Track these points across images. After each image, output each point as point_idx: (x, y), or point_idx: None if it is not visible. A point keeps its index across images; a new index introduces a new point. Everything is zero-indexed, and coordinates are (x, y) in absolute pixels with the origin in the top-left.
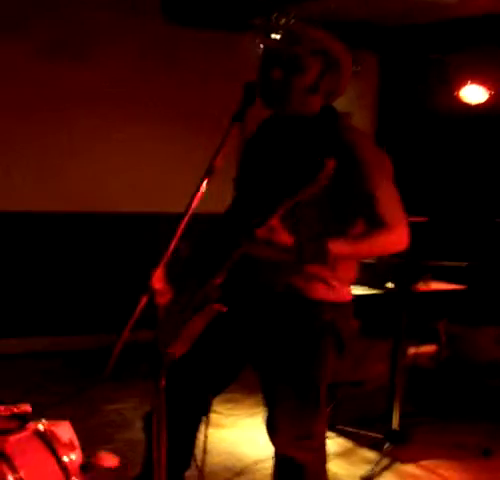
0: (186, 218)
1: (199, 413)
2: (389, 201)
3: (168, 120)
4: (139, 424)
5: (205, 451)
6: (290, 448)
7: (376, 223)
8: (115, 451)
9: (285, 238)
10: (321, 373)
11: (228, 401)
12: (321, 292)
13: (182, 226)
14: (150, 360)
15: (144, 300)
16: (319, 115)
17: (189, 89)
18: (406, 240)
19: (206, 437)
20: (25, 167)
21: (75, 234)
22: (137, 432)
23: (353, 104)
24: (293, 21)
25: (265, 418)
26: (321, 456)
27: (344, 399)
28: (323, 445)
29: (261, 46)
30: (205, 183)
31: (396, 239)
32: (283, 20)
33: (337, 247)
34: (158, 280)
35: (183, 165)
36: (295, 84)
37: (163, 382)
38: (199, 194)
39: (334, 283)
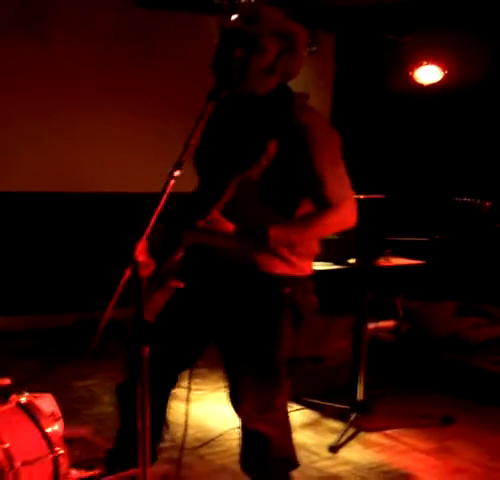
0: (165, 194)
1: (168, 387)
2: (336, 181)
3: (144, 101)
4: (107, 399)
5: (186, 427)
6: (253, 420)
7: (323, 204)
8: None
9: (227, 227)
10: (279, 346)
11: (193, 376)
12: (279, 267)
13: (162, 202)
14: (133, 329)
15: (128, 273)
16: (273, 94)
17: (161, 71)
18: (353, 218)
19: (187, 414)
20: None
21: (48, 213)
22: (105, 407)
23: (310, 84)
24: (254, 0)
25: (228, 391)
26: (284, 428)
27: (306, 374)
28: (285, 417)
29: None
30: (182, 161)
31: (343, 218)
32: (244, 0)
33: (279, 235)
34: (141, 253)
35: (160, 147)
36: (254, 64)
37: (147, 350)
38: (177, 172)
39: (292, 258)
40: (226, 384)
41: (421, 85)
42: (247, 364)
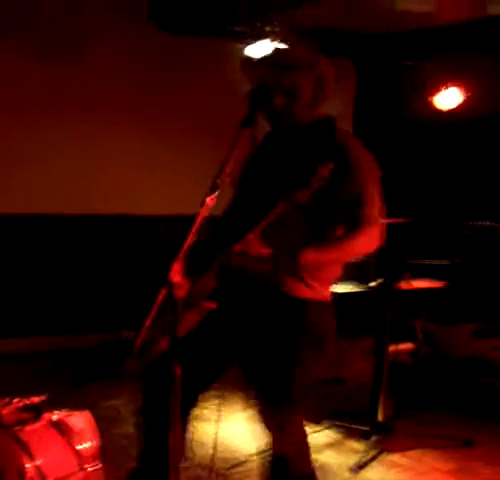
0: (201, 215)
1: (189, 407)
2: (374, 204)
3: (162, 126)
4: (133, 419)
5: (216, 447)
6: (274, 441)
7: (357, 223)
8: (112, 444)
9: (261, 250)
10: (298, 369)
11: (217, 397)
12: (302, 291)
13: (198, 223)
14: (168, 349)
15: (163, 293)
16: (318, 124)
17: (181, 94)
18: (378, 242)
19: (216, 434)
20: (22, 169)
21: (72, 235)
22: (132, 427)
23: (331, 110)
24: (277, 29)
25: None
26: (300, 449)
27: (328, 396)
28: (301, 437)
29: (249, 56)
30: (217, 186)
31: (371, 240)
32: (267, 27)
33: (309, 257)
34: (176, 273)
35: (186, 170)
36: (295, 105)
37: (178, 370)
38: (213, 196)
39: (313, 284)
40: (249, 405)
41: (441, 110)
42: (265, 384)
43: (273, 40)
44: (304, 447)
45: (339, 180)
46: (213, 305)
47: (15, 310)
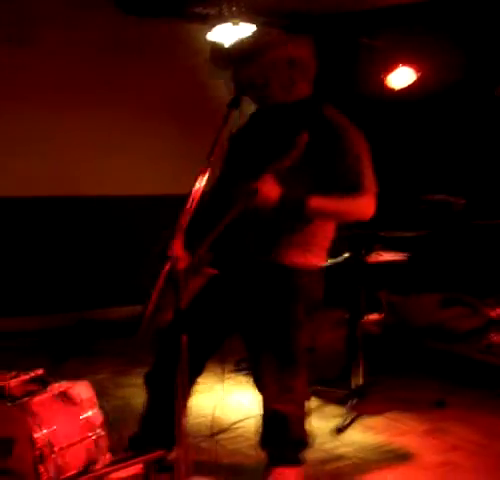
0: (197, 194)
1: (194, 375)
2: (365, 170)
3: (127, 107)
4: (119, 393)
5: (213, 416)
6: (275, 402)
7: (355, 188)
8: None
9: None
10: (298, 334)
11: None
12: (297, 258)
13: (193, 201)
14: (173, 320)
15: (167, 267)
16: (302, 102)
17: (145, 77)
18: (374, 206)
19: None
20: None
21: (49, 217)
22: (118, 400)
23: None
24: (243, 10)
25: (253, 376)
26: (302, 410)
27: None
28: (303, 400)
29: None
30: (209, 167)
31: (367, 203)
32: (234, 9)
33: (316, 200)
34: (178, 248)
35: (158, 150)
36: (271, 89)
37: (185, 338)
38: (205, 176)
39: (312, 249)
40: (230, 377)
41: (395, 88)
42: (269, 351)
43: (235, 22)
44: (304, 409)
45: (331, 150)
46: (214, 271)
47: None
